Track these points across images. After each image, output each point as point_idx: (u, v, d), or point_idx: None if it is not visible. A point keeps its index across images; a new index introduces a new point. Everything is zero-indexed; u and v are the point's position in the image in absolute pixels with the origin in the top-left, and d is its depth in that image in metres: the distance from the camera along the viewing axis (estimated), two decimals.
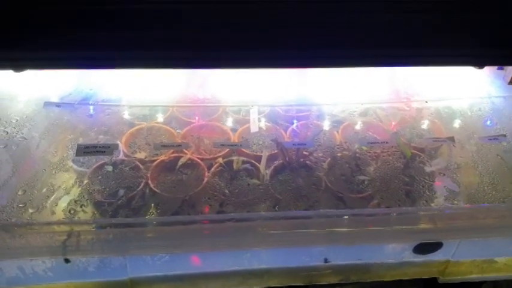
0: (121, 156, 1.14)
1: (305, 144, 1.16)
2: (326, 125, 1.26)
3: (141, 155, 1.15)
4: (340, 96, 1.34)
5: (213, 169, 1.13)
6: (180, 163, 1.14)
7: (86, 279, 1.02)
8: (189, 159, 1.16)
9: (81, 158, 1.08)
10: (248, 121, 1.27)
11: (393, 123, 1.29)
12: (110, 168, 1.11)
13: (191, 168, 1.14)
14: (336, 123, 1.26)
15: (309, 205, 1.02)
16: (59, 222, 0.91)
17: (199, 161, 1.15)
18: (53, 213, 0.96)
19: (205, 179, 1.09)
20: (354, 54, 0.93)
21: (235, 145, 1.17)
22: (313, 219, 0.94)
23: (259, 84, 1.35)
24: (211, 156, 1.17)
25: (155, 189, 1.05)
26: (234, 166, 1.15)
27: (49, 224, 0.90)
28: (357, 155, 1.17)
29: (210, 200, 1.04)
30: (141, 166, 1.11)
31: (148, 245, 0.90)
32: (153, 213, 1.00)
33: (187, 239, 0.91)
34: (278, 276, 1.10)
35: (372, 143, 1.17)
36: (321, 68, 1.25)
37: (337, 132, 1.24)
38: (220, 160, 1.16)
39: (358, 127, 1.26)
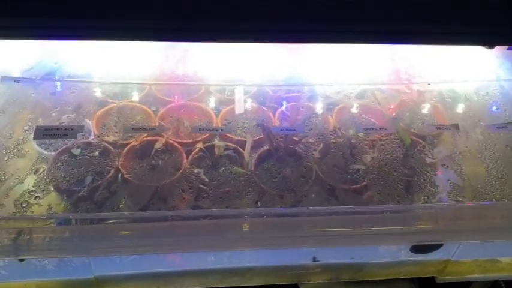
0: (91, 139, 1.02)
1: (294, 130, 1.04)
2: (319, 108, 1.15)
3: (112, 138, 1.03)
4: (335, 75, 1.22)
5: (192, 155, 1.01)
6: (155, 147, 1.03)
7: (45, 278, 0.92)
8: (166, 143, 1.04)
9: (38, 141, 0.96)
10: (233, 101, 1.16)
11: (392, 106, 1.18)
12: (77, 151, 0.99)
13: (168, 154, 1.02)
14: (330, 105, 1.15)
15: (296, 200, 0.91)
16: (7, 218, 0.79)
17: (177, 145, 1.03)
18: (3, 205, 0.84)
19: (183, 166, 0.97)
20: (351, 29, 0.87)
21: (216, 130, 1.05)
22: (301, 217, 0.83)
23: (246, 61, 1.23)
24: (190, 140, 1.06)
25: (126, 177, 0.94)
26: (216, 152, 1.04)
27: None
28: (352, 141, 1.05)
29: (186, 192, 0.93)
30: (111, 150, 0.99)
31: (112, 244, 0.79)
32: (120, 206, 0.89)
33: (159, 238, 0.80)
34: (262, 274, 1.00)
35: (369, 130, 1.06)
36: (314, 44, 1.12)
37: (331, 116, 1.13)
38: (200, 145, 1.05)
39: (354, 110, 1.15)
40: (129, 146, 1.01)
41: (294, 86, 1.21)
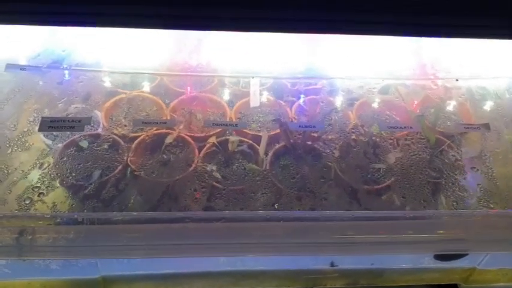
0: (99, 131, 0.97)
1: (314, 126, 0.98)
2: (339, 103, 1.09)
3: (121, 131, 0.98)
4: (357, 69, 1.16)
5: (204, 150, 0.96)
6: (166, 142, 0.97)
7: (50, 277, 0.87)
8: (178, 137, 0.99)
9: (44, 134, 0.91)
10: (248, 94, 1.10)
11: (416, 102, 1.11)
12: (84, 144, 0.94)
13: (180, 149, 0.97)
14: (352, 100, 1.09)
15: (315, 202, 0.85)
16: (9, 216, 0.74)
17: (189, 139, 0.98)
18: (5, 202, 0.79)
19: (195, 162, 0.92)
20: (375, 20, 0.82)
21: (231, 125, 0.99)
22: (320, 222, 0.77)
23: (263, 52, 1.16)
24: (203, 135, 1.00)
25: (135, 174, 0.89)
26: (230, 147, 0.99)
27: None
28: (375, 139, 0.99)
29: (199, 191, 0.87)
30: (120, 144, 0.94)
31: (119, 246, 0.74)
32: (129, 205, 0.83)
33: (169, 241, 0.75)
34: (276, 278, 0.95)
35: (393, 128, 0.99)
36: (335, 35, 1.06)
37: (353, 111, 1.06)
38: (213, 139, 0.99)
39: (377, 107, 1.08)
40: (139, 140, 0.96)
41: (313, 78, 1.15)
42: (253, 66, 1.16)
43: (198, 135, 1.00)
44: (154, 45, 1.14)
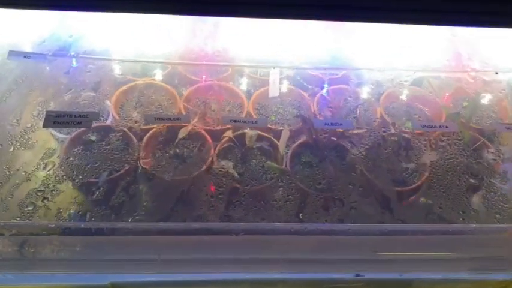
0: (108, 123, 0.91)
1: (341, 124, 0.90)
2: (368, 97, 1.01)
3: (132, 126, 0.91)
4: (386, 59, 1.07)
5: (220, 145, 0.90)
6: (179, 137, 0.90)
7: (57, 283, 0.82)
8: (192, 130, 0.91)
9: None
10: (266, 83, 1.02)
11: (450, 97, 1.03)
12: (92, 137, 0.88)
13: (194, 144, 0.90)
14: (380, 94, 1.01)
15: (343, 212, 0.78)
16: (11, 225, 0.68)
17: (204, 133, 0.92)
18: (6, 208, 0.73)
19: (211, 161, 0.85)
20: (406, 8, 0.74)
21: (250, 121, 0.92)
22: (350, 236, 0.70)
23: (284, 39, 1.08)
24: (219, 127, 0.94)
25: (148, 177, 0.82)
26: (247, 142, 0.92)
27: None
28: (408, 138, 0.92)
29: (215, 197, 0.80)
30: (131, 140, 0.88)
31: (129, 262, 0.68)
32: (140, 213, 0.77)
33: (183, 255, 0.69)
34: (296, 286, 0.89)
35: (426, 127, 0.91)
36: (363, 23, 0.97)
37: (383, 107, 0.99)
38: (229, 133, 0.92)
39: (409, 102, 1.00)
40: (150, 133, 0.89)
41: (338, 69, 1.06)
42: (273, 54, 1.07)
43: (214, 128, 0.93)
44: (167, 30, 1.06)
